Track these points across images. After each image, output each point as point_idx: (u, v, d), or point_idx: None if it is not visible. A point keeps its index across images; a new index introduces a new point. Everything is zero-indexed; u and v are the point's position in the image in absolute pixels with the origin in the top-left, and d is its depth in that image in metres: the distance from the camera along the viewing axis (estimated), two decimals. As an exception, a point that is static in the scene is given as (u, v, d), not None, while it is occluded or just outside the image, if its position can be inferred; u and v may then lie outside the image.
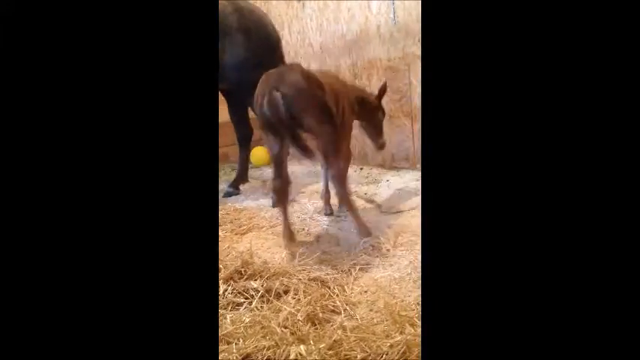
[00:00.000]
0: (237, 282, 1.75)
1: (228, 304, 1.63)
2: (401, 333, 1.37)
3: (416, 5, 3.17)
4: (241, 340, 1.39)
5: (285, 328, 1.44)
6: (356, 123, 2.76)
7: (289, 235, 2.29)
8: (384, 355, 1.28)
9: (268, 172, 2.36)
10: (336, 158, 2.18)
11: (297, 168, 3.73)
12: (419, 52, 3.19)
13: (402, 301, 1.61)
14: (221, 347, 1.35)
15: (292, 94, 1.99)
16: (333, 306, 1.61)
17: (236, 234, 2.50)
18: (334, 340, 1.35)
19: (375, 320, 1.49)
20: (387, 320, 1.47)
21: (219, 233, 2.45)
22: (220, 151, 3.90)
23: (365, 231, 2.29)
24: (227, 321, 1.50)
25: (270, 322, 1.47)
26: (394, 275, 1.84)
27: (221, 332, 1.42)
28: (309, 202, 2.96)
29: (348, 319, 1.51)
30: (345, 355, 1.30)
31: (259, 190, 3.36)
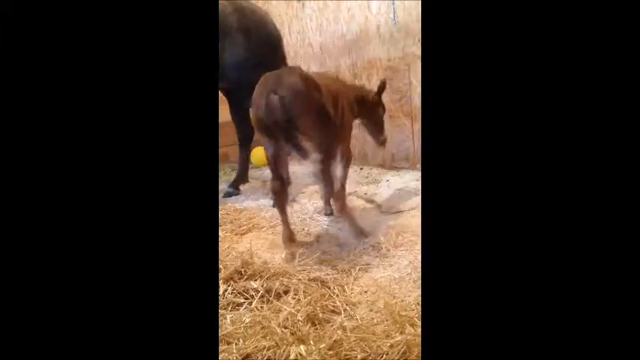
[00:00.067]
0: (237, 282, 1.75)
1: (228, 305, 1.63)
2: (401, 333, 1.37)
3: (416, 5, 3.17)
4: (241, 341, 1.39)
5: (285, 328, 1.44)
6: (356, 122, 2.76)
7: (289, 235, 2.29)
8: (384, 355, 1.28)
9: (268, 172, 2.36)
10: (328, 159, 2.16)
11: (297, 168, 3.72)
12: (419, 52, 3.18)
13: (402, 301, 1.61)
14: (221, 347, 1.35)
15: (289, 97, 1.99)
16: (333, 306, 1.61)
17: (236, 234, 2.50)
18: (334, 341, 1.35)
19: (375, 320, 1.49)
20: (387, 320, 1.47)
21: (220, 233, 2.45)
22: (220, 151, 3.89)
23: (360, 232, 2.27)
24: (227, 321, 1.50)
25: (270, 322, 1.47)
26: (394, 275, 1.84)
27: (221, 332, 1.42)
28: (309, 202, 2.96)
29: (348, 319, 1.51)
30: (345, 355, 1.30)
31: (259, 191, 3.36)
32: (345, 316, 1.53)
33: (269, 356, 1.31)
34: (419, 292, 1.62)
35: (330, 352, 1.31)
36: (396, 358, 1.27)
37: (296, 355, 1.29)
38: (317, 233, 2.44)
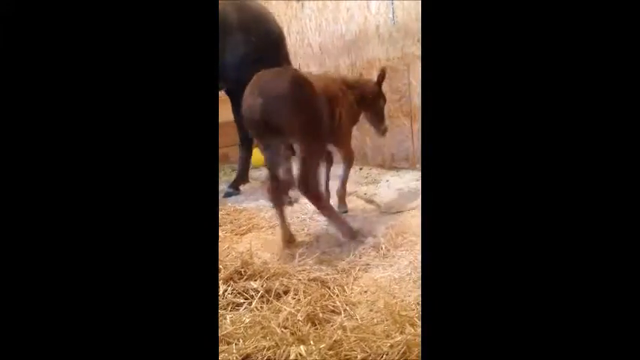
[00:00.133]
0: (237, 282, 1.75)
1: (228, 305, 1.63)
2: (401, 333, 1.37)
3: (415, 5, 3.17)
4: (241, 341, 1.39)
5: (285, 328, 1.44)
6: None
7: (287, 236, 2.29)
8: (384, 355, 1.28)
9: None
10: (312, 160, 2.12)
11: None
12: (418, 52, 3.19)
13: (402, 301, 1.61)
14: (221, 347, 1.35)
15: (271, 101, 1.97)
16: (333, 306, 1.60)
17: (236, 234, 2.50)
18: (334, 341, 1.35)
19: (375, 320, 1.49)
20: (387, 320, 1.47)
21: (219, 233, 2.45)
22: (220, 151, 3.89)
23: (348, 231, 2.25)
24: (227, 321, 1.50)
25: (270, 322, 1.47)
26: (394, 275, 1.84)
27: (221, 332, 1.42)
28: (309, 203, 2.95)
29: (348, 319, 1.51)
30: (346, 355, 1.30)
31: (259, 191, 3.36)
32: (345, 316, 1.53)
33: (269, 356, 1.31)
34: (419, 292, 1.62)
35: (330, 352, 1.30)
36: (396, 358, 1.27)
37: (296, 355, 1.29)
38: (317, 233, 2.44)
